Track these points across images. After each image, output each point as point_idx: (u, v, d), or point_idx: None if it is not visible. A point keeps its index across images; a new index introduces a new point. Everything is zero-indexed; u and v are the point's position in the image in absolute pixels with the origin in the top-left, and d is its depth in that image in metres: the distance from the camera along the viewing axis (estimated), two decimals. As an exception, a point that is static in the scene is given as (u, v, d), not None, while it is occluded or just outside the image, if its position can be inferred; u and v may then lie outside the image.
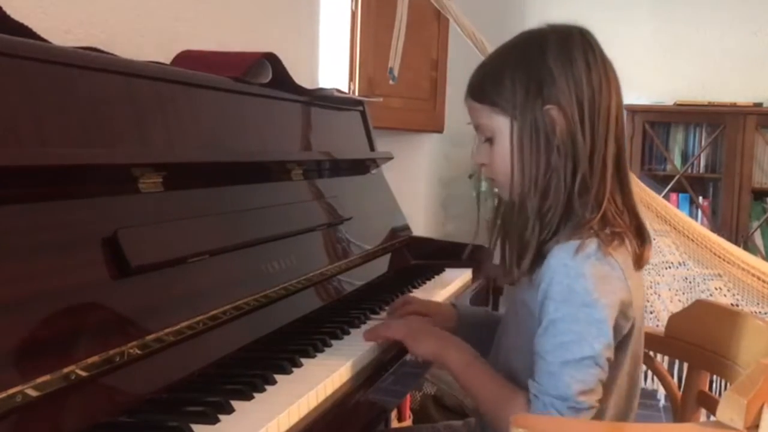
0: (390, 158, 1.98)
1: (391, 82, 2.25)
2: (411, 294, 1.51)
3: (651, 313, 2.37)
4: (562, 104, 1.01)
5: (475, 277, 1.84)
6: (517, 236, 1.06)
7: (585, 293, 0.96)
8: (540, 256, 1.02)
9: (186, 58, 1.50)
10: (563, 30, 1.06)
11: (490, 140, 1.08)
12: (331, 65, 2.64)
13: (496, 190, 1.13)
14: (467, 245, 1.53)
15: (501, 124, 1.06)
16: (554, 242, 1.02)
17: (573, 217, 1.03)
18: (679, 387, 1.33)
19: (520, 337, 1.08)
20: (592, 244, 0.98)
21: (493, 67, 1.09)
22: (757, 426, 0.79)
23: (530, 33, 1.09)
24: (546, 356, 0.98)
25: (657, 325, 2.25)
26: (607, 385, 1.02)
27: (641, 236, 1.07)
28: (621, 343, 1.03)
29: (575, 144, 1.02)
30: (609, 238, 1.00)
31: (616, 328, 1.00)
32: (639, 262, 1.06)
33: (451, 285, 1.68)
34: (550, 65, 1.02)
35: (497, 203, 1.13)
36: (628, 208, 1.07)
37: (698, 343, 1.26)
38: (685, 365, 1.31)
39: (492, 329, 1.25)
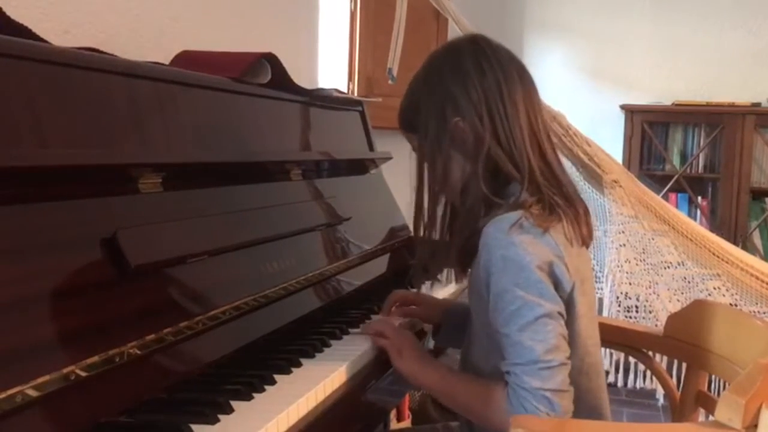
0: (389, 158, 1.98)
1: (390, 82, 2.25)
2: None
3: (650, 312, 2.38)
4: (465, 114, 1.10)
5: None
6: (453, 237, 1.15)
7: (518, 258, 1.00)
8: (472, 244, 1.08)
9: (185, 58, 1.50)
10: (453, 45, 1.16)
11: None
12: (330, 65, 2.64)
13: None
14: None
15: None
16: (483, 223, 1.06)
17: (506, 199, 1.08)
18: (678, 387, 1.33)
19: (475, 324, 1.13)
20: (516, 215, 1.03)
21: (410, 97, 1.19)
22: (755, 426, 0.79)
23: (431, 56, 1.18)
24: (502, 329, 1.00)
25: (656, 325, 2.25)
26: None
27: (571, 207, 1.10)
28: (565, 304, 1.04)
29: (483, 144, 1.09)
30: (540, 213, 1.04)
31: (555, 286, 1.02)
32: (580, 238, 1.09)
33: (449, 285, 1.68)
34: (447, 84, 1.11)
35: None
36: (553, 176, 1.11)
37: (697, 343, 1.26)
38: (684, 365, 1.32)
39: None
